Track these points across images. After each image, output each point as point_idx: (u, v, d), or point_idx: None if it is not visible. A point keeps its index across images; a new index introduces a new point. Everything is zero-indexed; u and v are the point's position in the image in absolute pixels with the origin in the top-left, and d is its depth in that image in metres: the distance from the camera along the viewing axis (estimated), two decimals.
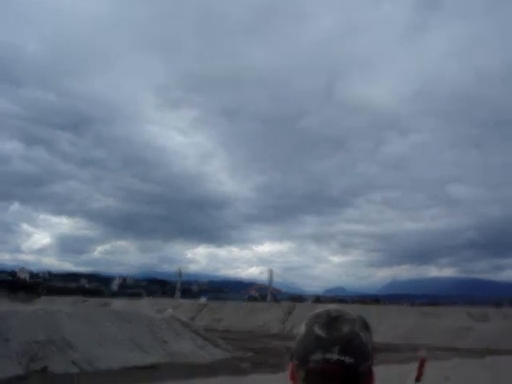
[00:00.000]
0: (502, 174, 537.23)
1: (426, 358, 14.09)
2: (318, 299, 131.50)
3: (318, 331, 1.94)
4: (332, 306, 2.05)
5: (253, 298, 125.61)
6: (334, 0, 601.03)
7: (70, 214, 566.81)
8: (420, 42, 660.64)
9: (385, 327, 52.31)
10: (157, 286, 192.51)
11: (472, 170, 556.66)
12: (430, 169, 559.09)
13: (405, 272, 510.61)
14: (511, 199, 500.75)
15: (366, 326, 2.03)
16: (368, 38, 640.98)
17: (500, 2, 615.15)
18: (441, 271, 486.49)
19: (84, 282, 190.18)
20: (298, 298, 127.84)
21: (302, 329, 2.02)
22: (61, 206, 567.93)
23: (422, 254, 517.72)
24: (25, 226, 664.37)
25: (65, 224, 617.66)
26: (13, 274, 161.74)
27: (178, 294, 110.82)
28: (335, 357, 1.88)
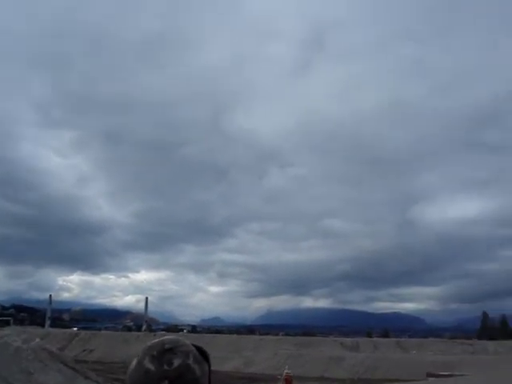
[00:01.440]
0: (375, 210, 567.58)
1: None
2: (194, 329, 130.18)
3: (148, 364, 1.80)
4: (168, 337, 1.89)
5: (127, 328, 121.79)
6: (224, 33, 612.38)
7: None
8: (304, 80, 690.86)
9: (261, 357, 52.27)
10: (25, 314, 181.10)
11: (347, 205, 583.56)
12: (308, 202, 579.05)
13: (281, 302, 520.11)
14: (383, 234, 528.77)
15: (202, 359, 1.90)
16: (255, 72, 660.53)
17: (376, 48, 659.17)
18: (316, 302, 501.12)
19: None
20: (174, 328, 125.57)
21: (133, 362, 1.86)
22: None
23: (298, 284, 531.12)
24: None
25: None
26: None
27: (47, 322, 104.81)
28: None
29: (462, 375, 29.07)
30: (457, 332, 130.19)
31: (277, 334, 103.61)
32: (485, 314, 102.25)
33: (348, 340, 60.58)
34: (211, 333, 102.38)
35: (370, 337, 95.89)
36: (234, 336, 77.68)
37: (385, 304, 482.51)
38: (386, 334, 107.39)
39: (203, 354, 1.92)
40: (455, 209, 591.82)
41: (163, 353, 1.80)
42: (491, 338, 76.67)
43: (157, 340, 1.87)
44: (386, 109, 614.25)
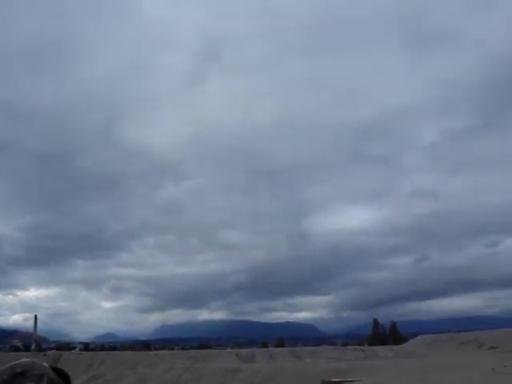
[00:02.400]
0: (269, 221, 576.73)
1: None
2: (87, 346, 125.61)
3: None
4: (24, 360, 1.76)
5: (15, 348, 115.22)
6: (119, 41, 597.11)
7: None
8: (199, 91, 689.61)
9: (156, 372, 51.33)
10: None
11: (243, 217, 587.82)
12: (203, 214, 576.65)
13: (177, 316, 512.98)
14: (277, 245, 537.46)
15: (60, 380, 1.78)
16: (150, 82, 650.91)
17: (270, 62, 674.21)
18: (212, 314, 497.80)
19: None
20: (65, 346, 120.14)
21: None
22: None
23: (193, 297, 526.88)
24: None
25: None
26: None
27: None
28: None
29: (352, 381, 30.05)
30: (349, 339, 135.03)
31: (172, 349, 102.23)
32: (375, 321, 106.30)
33: (243, 351, 60.86)
34: (105, 350, 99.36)
35: (266, 347, 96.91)
36: (128, 352, 75.76)
37: (280, 314, 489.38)
38: (281, 344, 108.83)
39: (62, 376, 1.82)
40: (345, 219, 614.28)
41: (14, 377, 1.69)
42: (382, 344, 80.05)
43: (10, 364, 1.76)
44: (279, 121, 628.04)
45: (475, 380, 21.32)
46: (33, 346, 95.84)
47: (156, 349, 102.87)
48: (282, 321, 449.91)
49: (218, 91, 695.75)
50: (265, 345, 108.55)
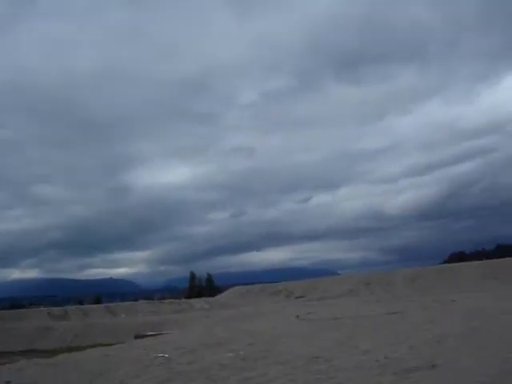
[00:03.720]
0: (87, 175, 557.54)
1: None
2: None
3: None
4: None
5: None
6: None
7: None
8: (12, 36, 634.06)
9: None
10: None
11: (58, 171, 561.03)
12: (15, 168, 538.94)
13: None
14: (94, 200, 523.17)
15: None
16: None
17: (92, 10, 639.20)
18: (24, 273, 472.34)
19: None
20: None
21: None
22: None
23: (4, 256, 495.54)
24: None
25: None
26: None
27: None
28: None
29: (164, 333, 30.56)
30: (166, 293, 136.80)
31: None
32: (192, 274, 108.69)
33: (55, 309, 58.88)
34: None
35: (82, 304, 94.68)
36: None
37: (98, 270, 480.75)
38: (98, 301, 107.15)
39: None
40: (166, 174, 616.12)
41: None
42: (198, 296, 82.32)
43: None
44: (100, 72, 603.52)
45: (279, 326, 22.82)
46: None
47: None
48: (100, 277, 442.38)
49: (34, 36, 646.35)
50: (81, 303, 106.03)
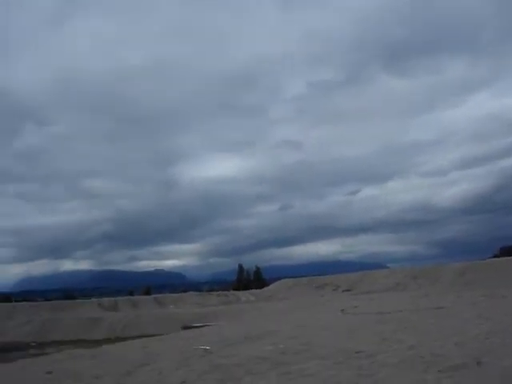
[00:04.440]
0: (137, 169, 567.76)
1: None
2: None
3: None
4: None
5: None
6: None
7: None
8: (64, 34, 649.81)
9: (14, 325, 49.36)
10: None
11: (109, 165, 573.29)
12: (67, 162, 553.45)
13: (40, 267, 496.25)
14: (145, 193, 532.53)
15: None
16: (10, 20, 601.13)
17: (143, 6, 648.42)
18: (77, 264, 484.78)
19: None
20: None
21: None
22: None
23: (57, 248, 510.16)
24: None
25: None
26: None
27: None
28: None
29: (208, 325, 30.78)
30: (214, 285, 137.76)
31: (35, 300, 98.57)
32: (240, 267, 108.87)
33: (106, 300, 60.09)
34: None
35: (132, 295, 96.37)
36: None
37: (147, 262, 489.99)
38: (147, 292, 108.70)
39: None
40: (214, 168, 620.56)
41: None
42: (246, 288, 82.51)
43: None
44: (150, 67, 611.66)
45: (323, 319, 22.61)
46: None
47: (17, 301, 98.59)
48: (150, 269, 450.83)
49: (86, 34, 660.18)
50: (131, 294, 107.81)
